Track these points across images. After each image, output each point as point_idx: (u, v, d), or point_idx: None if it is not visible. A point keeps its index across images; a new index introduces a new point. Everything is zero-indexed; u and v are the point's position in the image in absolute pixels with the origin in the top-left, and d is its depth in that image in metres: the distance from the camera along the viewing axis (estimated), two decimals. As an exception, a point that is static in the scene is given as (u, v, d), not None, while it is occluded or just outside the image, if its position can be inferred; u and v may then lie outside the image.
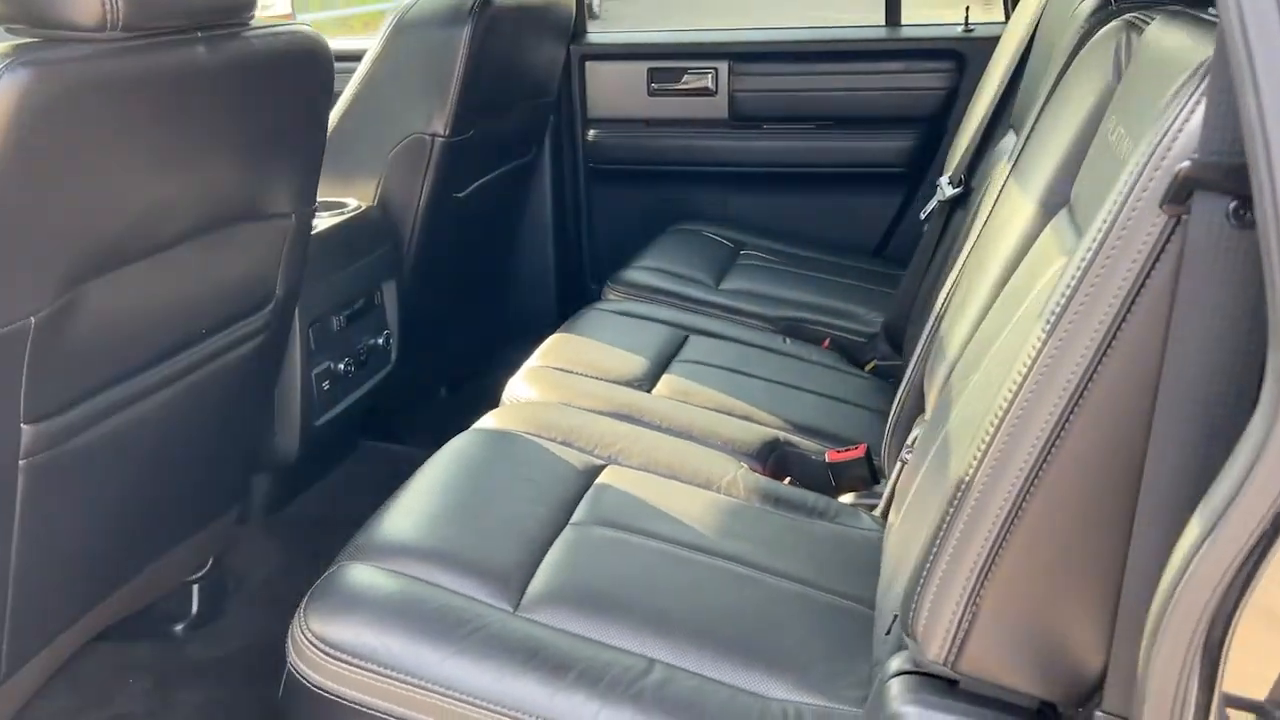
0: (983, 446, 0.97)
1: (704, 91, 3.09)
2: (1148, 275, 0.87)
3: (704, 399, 1.99)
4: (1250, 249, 0.77)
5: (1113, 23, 1.42)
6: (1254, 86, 0.66)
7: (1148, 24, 1.29)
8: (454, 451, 1.66)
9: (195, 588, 2.11)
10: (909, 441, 1.62)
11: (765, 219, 3.09)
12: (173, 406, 1.64)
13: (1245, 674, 0.74)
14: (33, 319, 1.29)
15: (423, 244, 2.49)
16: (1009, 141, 1.94)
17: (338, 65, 1.73)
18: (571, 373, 2.03)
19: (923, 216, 2.18)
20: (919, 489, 1.35)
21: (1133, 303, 0.88)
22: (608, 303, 2.47)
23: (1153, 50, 1.18)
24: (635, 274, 2.59)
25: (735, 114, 3.08)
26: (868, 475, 1.83)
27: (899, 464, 1.65)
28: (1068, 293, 0.91)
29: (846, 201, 3.09)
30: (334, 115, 2.32)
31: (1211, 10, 1.12)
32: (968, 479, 0.98)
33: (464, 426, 2.86)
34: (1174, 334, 0.85)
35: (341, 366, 2.25)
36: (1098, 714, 0.97)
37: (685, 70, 3.10)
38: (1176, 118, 0.85)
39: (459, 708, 1.21)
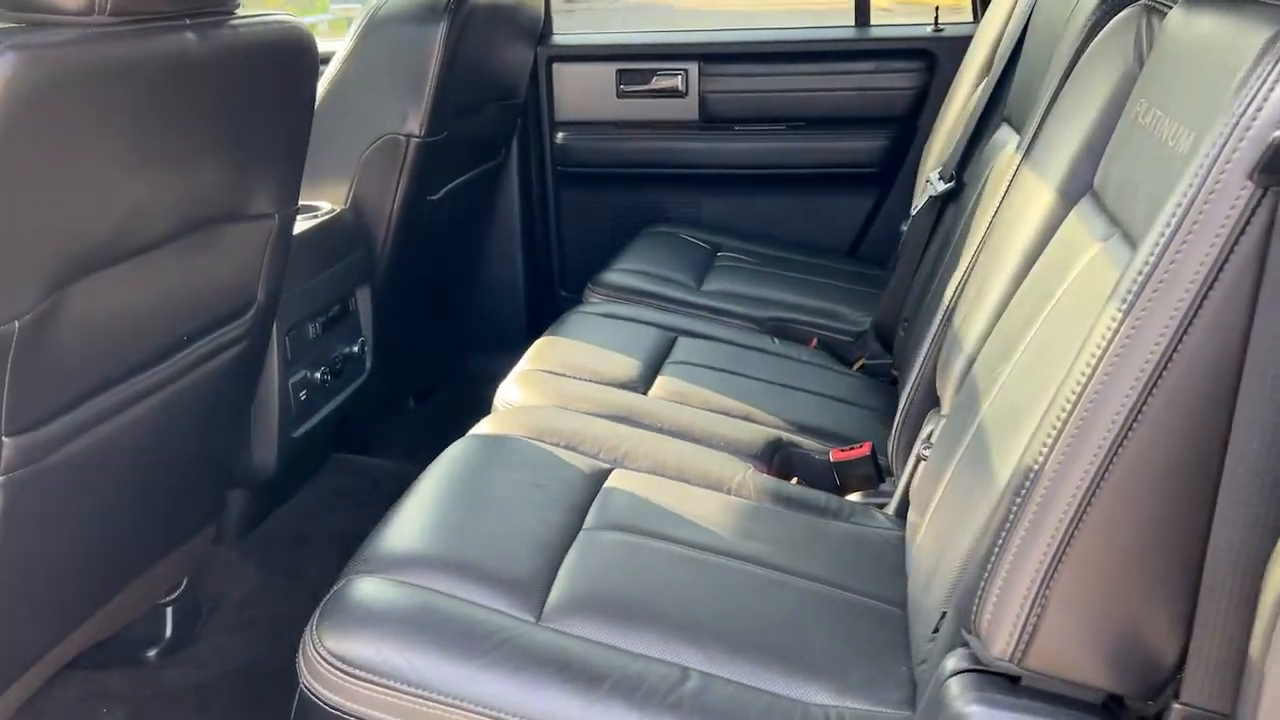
0: (1052, 433, 0.94)
1: (674, 93, 3.05)
2: (1231, 249, 0.84)
3: (701, 400, 1.95)
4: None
5: (1128, 10, 1.41)
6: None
7: (1168, 8, 1.28)
8: (454, 458, 1.60)
9: (168, 611, 2.01)
10: (924, 437, 1.59)
11: (738, 221, 3.06)
12: (153, 419, 1.56)
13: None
14: (16, 323, 1.21)
15: (396, 248, 2.41)
16: (1005, 135, 1.93)
17: None
18: (564, 376, 1.97)
19: (913, 212, 2.17)
20: (954, 483, 1.32)
21: (1215, 278, 0.85)
22: (590, 305, 2.42)
23: (1185, 33, 1.16)
24: (616, 276, 2.54)
25: (706, 115, 3.05)
26: (873, 474, 1.80)
27: (912, 461, 1.63)
28: (1145, 270, 0.88)
29: (819, 202, 3.07)
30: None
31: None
32: (1037, 467, 0.95)
33: (436, 438, 2.78)
34: (1262, 309, 0.83)
35: (318, 376, 2.17)
36: (1175, 706, 0.94)
37: (655, 71, 3.06)
38: (1260, 89, 0.83)
39: (491, 725, 1.14)
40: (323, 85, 2.34)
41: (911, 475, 1.62)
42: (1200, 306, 0.86)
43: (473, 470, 1.57)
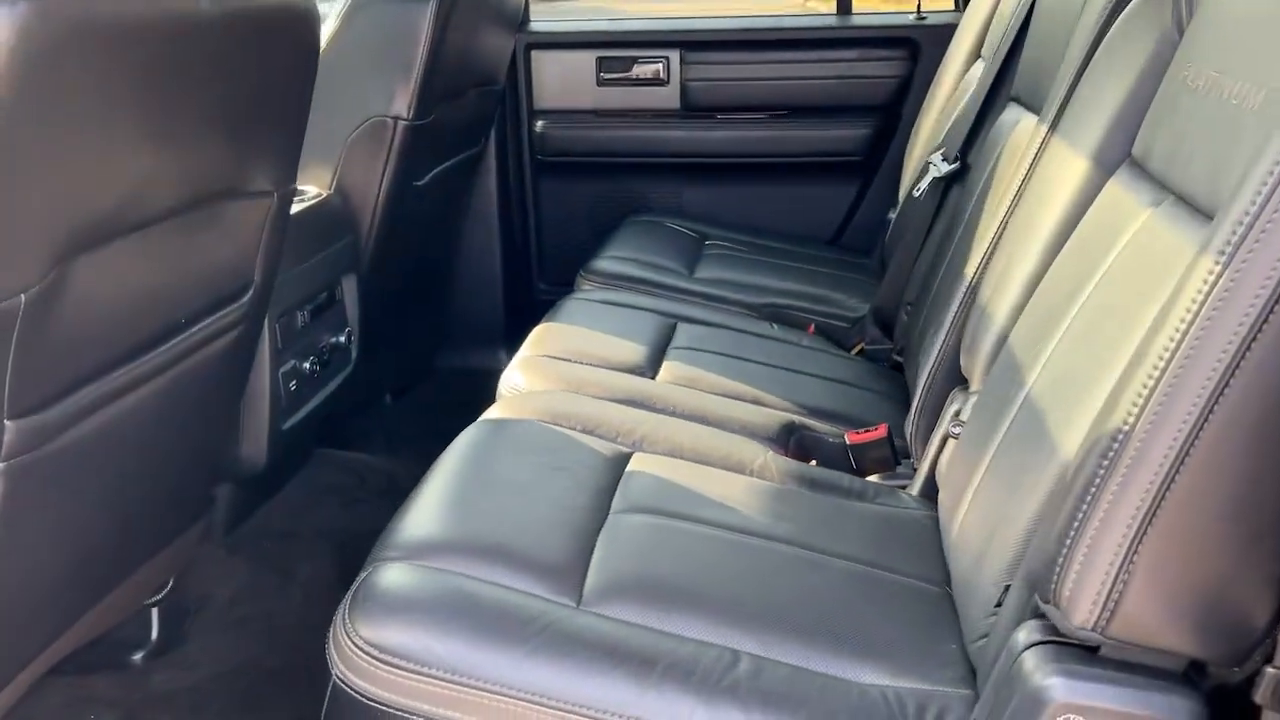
0: (1143, 391, 0.91)
1: (655, 81, 3.01)
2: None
3: (710, 385, 1.91)
4: None
5: (1162, -20, 1.40)
6: None
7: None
8: (471, 443, 1.54)
9: (154, 612, 1.92)
10: (954, 413, 1.57)
11: (720, 210, 3.03)
12: (151, 405, 1.49)
13: None
14: (23, 297, 1.14)
15: (382, 235, 2.34)
16: (1015, 114, 1.91)
17: None
18: (569, 361, 1.92)
19: (915, 194, 2.15)
20: (1002, 458, 1.29)
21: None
22: (585, 292, 2.37)
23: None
24: (607, 263, 2.49)
25: (688, 104, 3.02)
26: (890, 456, 1.77)
27: (940, 440, 1.60)
28: (1245, 221, 0.86)
29: (802, 191, 3.05)
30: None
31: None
32: (1126, 428, 0.92)
33: (418, 432, 2.71)
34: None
35: (307, 366, 2.10)
36: (1268, 670, 0.92)
37: (635, 59, 3.02)
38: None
39: (542, 713, 1.09)
40: (306, 66, 2.26)
41: (937, 455, 1.60)
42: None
43: (492, 454, 1.51)
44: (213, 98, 1.39)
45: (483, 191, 3.04)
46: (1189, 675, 0.99)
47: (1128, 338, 1.08)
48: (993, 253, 1.63)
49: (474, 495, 1.40)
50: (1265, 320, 0.86)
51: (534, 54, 3.04)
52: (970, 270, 1.68)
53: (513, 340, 3.18)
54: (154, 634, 1.91)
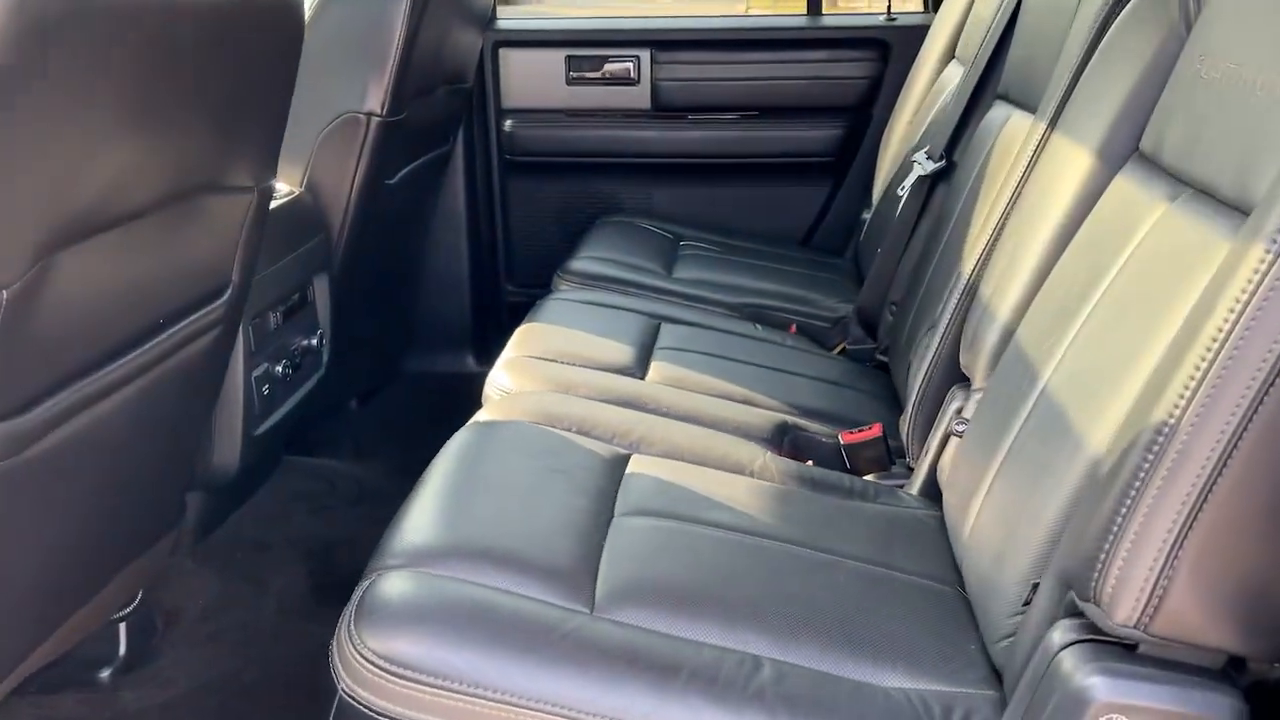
0: (1190, 384, 0.90)
1: (626, 80, 2.98)
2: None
3: (699, 385, 1.88)
4: None
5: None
6: None
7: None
8: (465, 445, 1.49)
9: (121, 627, 1.84)
10: (955, 411, 1.55)
11: (691, 211, 3.00)
12: (127, 411, 1.42)
13: None
14: (4, 293, 1.07)
15: (354, 235, 2.27)
16: (1003, 112, 1.91)
17: None
18: (557, 362, 1.88)
19: (900, 193, 2.14)
20: (1018, 455, 1.27)
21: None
22: (564, 292, 2.33)
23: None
24: (584, 264, 2.45)
25: (659, 104, 2.99)
26: (884, 456, 1.75)
27: (940, 439, 1.58)
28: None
29: (773, 192, 3.04)
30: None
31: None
32: (1172, 421, 0.90)
33: (385, 438, 2.63)
34: None
35: (279, 369, 2.03)
36: (1312, 666, 0.91)
37: (605, 58, 2.98)
38: None
39: (564, 725, 1.05)
40: (275, 60, 2.19)
41: (938, 453, 1.58)
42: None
43: (487, 457, 1.46)
44: (197, 87, 1.33)
45: (450, 191, 2.99)
46: (1227, 672, 0.98)
47: (1155, 332, 1.07)
48: (991, 249, 1.61)
49: (472, 499, 1.36)
50: (1317, 309, 0.85)
51: (502, 52, 2.99)
52: (967, 267, 1.67)
53: (480, 343, 3.14)
54: (122, 650, 1.83)
